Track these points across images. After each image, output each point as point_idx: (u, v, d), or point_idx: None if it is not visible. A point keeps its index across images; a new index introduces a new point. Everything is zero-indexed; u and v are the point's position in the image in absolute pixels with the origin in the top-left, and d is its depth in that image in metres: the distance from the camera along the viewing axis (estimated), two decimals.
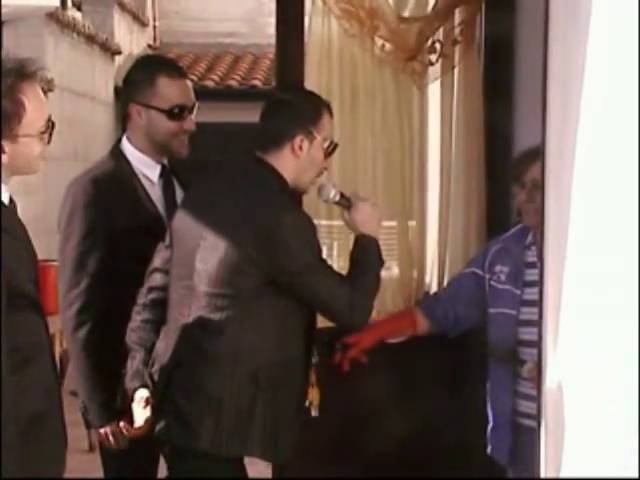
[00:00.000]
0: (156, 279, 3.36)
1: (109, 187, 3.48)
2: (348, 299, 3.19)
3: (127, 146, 3.59)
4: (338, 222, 4.18)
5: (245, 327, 3.13)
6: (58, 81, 9.77)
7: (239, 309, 3.13)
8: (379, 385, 4.01)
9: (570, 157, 2.35)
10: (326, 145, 3.31)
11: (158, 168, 3.60)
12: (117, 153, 3.60)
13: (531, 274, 3.58)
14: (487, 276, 3.74)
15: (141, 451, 3.43)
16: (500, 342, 3.65)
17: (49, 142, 2.77)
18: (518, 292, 3.60)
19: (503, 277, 3.67)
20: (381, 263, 3.36)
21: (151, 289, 3.37)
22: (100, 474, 3.71)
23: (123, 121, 3.70)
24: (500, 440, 3.68)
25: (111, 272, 3.42)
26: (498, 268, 3.70)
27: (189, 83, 3.65)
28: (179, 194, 3.62)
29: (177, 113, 3.53)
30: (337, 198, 3.41)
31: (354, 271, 3.32)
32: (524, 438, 3.47)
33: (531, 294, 3.52)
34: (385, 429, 4.05)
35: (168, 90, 3.53)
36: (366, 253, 3.33)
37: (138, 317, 3.35)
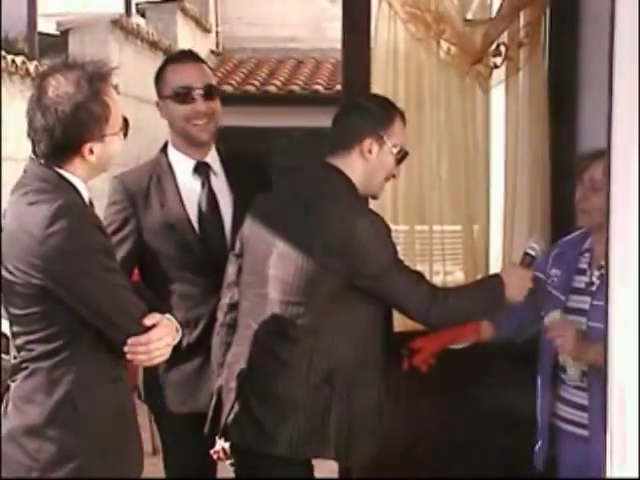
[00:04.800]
0: (234, 295, 3.35)
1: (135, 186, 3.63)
2: (427, 297, 3.15)
3: (169, 146, 3.71)
4: (403, 227, 4.18)
5: (320, 332, 3.11)
6: (123, 87, 9.84)
7: (314, 315, 3.11)
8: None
9: (637, 160, 2.32)
10: (396, 151, 3.27)
11: (192, 163, 3.64)
12: (161, 151, 3.72)
13: (578, 281, 3.52)
14: (548, 280, 3.67)
15: (204, 449, 3.45)
16: (544, 347, 3.60)
17: (125, 137, 2.90)
18: (563, 298, 3.54)
19: (556, 281, 3.61)
20: (495, 307, 3.39)
21: (231, 307, 3.36)
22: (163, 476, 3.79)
23: None
24: (539, 447, 3.66)
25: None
26: (554, 272, 3.64)
27: (200, 66, 3.69)
28: (224, 192, 3.65)
29: (183, 95, 3.58)
30: (533, 254, 3.44)
31: (470, 286, 3.61)
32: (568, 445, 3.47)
33: (575, 302, 3.49)
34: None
35: (171, 76, 3.63)
36: (492, 290, 3.32)
37: (217, 338, 3.38)
